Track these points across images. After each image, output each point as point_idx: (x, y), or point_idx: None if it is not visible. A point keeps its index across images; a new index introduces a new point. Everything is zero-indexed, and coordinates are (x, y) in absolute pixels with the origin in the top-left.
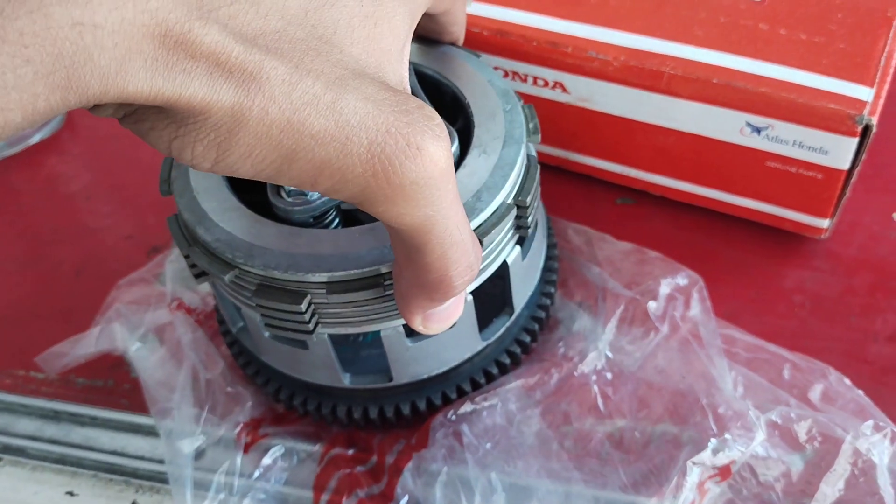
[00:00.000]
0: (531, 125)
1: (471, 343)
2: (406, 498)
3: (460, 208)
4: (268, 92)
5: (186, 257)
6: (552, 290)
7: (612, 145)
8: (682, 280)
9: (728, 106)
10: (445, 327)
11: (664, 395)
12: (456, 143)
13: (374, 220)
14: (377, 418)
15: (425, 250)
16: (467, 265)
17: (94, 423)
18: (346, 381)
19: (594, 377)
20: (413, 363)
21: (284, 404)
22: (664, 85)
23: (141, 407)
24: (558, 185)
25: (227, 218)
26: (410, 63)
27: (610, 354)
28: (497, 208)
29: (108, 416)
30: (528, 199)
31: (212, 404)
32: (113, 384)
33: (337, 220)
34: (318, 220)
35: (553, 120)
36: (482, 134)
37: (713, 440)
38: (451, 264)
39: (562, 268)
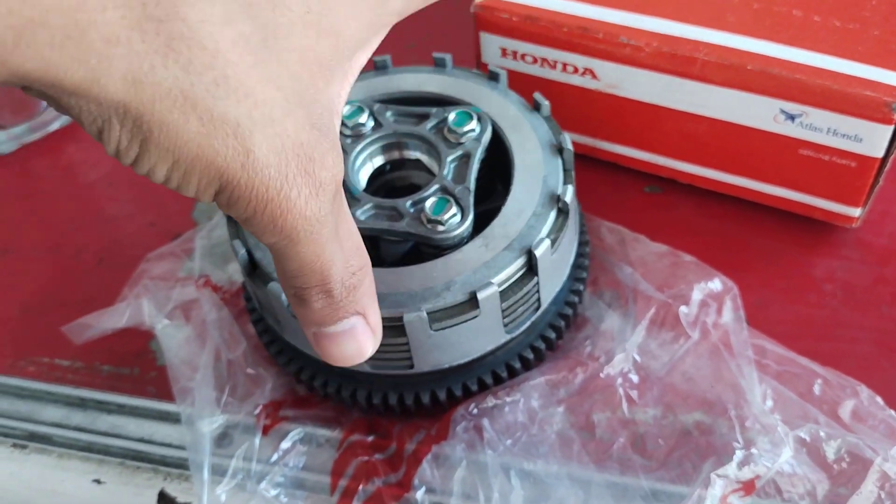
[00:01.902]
0: (553, 237)
1: (494, 335)
2: (423, 489)
3: (334, 246)
4: (190, 105)
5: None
6: (581, 287)
7: (640, 133)
8: (715, 286)
9: (762, 93)
10: (339, 358)
11: (691, 402)
12: (468, 224)
13: (394, 254)
14: (396, 405)
15: (285, 260)
16: (323, 311)
17: (121, 410)
18: (366, 365)
19: (620, 379)
20: (435, 351)
21: (306, 386)
22: (697, 71)
23: (168, 395)
24: (586, 174)
25: None
26: (493, 123)
27: (637, 357)
28: (457, 303)
29: (134, 403)
30: (509, 304)
31: (232, 385)
32: (139, 372)
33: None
34: None
35: (581, 107)
36: (497, 227)
37: (739, 453)
38: (305, 283)
39: (593, 266)
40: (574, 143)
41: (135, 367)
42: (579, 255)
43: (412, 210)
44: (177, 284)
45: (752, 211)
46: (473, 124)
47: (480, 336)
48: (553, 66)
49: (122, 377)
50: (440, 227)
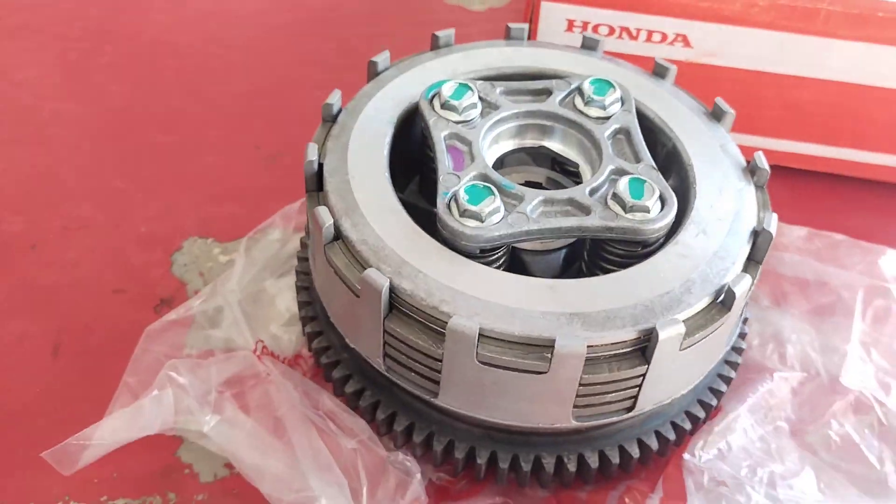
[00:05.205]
0: (762, 215)
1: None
2: None
3: None
4: None
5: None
6: None
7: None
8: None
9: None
10: None
11: None
12: (674, 210)
13: (546, 269)
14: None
15: None
16: None
17: None
18: (572, 418)
19: None
20: (670, 378)
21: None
22: (820, 25)
23: None
24: None
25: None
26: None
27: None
28: (706, 306)
29: None
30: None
31: (371, 484)
32: (175, 501)
33: (503, 259)
34: (484, 254)
35: None
36: (701, 208)
37: None
38: None
39: None
40: None
41: (167, 492)
42: None
43: (595, 199)
44: (210, 362)
45: (855, 187)
46: (616, 94)
47: (715, 349)
48: (634, 37)
49: None
50: (644, 217)
